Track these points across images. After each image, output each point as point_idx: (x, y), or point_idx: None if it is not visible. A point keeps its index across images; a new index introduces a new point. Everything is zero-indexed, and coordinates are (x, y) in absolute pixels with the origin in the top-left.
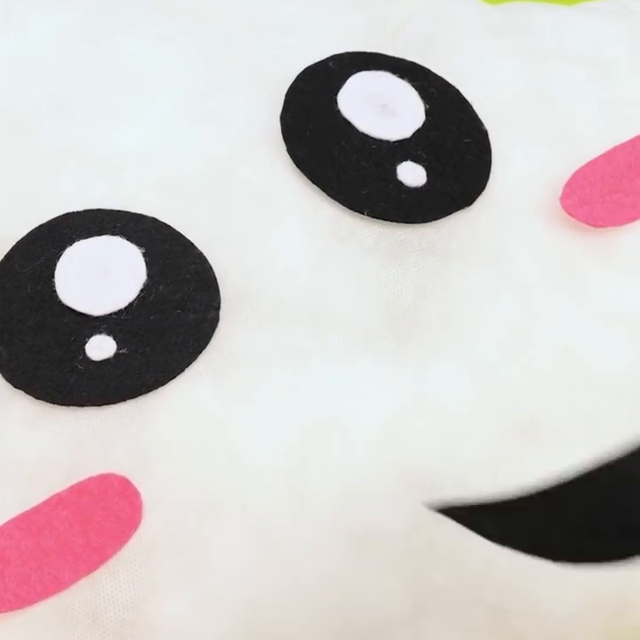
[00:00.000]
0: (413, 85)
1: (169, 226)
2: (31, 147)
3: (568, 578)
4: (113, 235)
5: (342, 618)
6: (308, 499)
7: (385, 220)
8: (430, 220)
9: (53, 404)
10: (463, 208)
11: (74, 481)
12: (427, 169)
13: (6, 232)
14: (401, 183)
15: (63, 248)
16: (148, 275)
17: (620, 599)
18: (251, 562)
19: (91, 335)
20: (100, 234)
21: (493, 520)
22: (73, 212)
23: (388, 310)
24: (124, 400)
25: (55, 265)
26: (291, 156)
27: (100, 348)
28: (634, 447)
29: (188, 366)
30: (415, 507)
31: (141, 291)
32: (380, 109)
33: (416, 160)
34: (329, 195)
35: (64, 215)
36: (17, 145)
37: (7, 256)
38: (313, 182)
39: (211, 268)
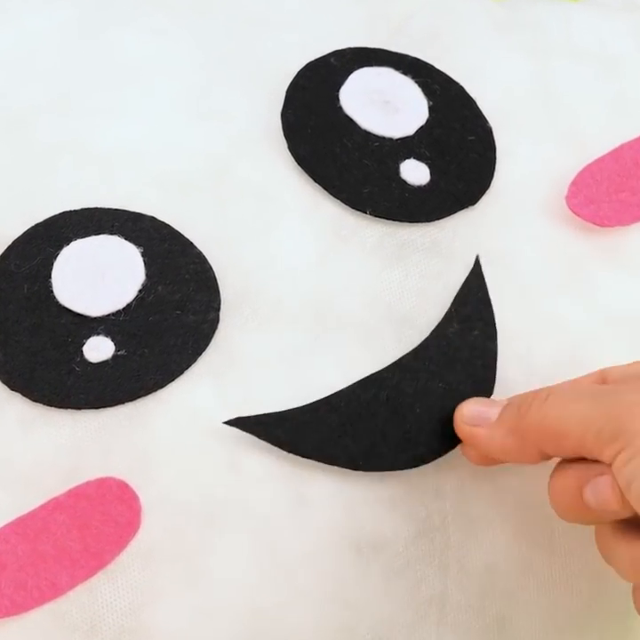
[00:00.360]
0: (416, 81)
1: (168, 225)
2: (28, 143)
3: (573, 585)
4: (111, 234)
5: (343, 624)
6: (309, 505)
7: (388, 219)
8: (434, 220)
9: (50, 406)
10: (467, 207)
11: (71, 485)
12: (430, 167)
13: (1, 231)
14: (404, 182)
15: (60, 247)
16: (147, 275)
17: None
18: (252, 568)
19: (88, 336)
20: (97, 233)
21: (284, 429)
22: (70, 211)
23: (390, 311)
24: (123, 403)
25: (52, 265)
26: (291, 154)
27: (98, 349)
28: (400, 360)
29: (187, 368)
30: (419, 513)
31: (140, 291)
32: (382, 106)
33: (419, 158)
34: (330, 193)
35: (61, 214)
36: (13, 141)
37: (3, 256)
38: (314, 180)
39: (210, 268)
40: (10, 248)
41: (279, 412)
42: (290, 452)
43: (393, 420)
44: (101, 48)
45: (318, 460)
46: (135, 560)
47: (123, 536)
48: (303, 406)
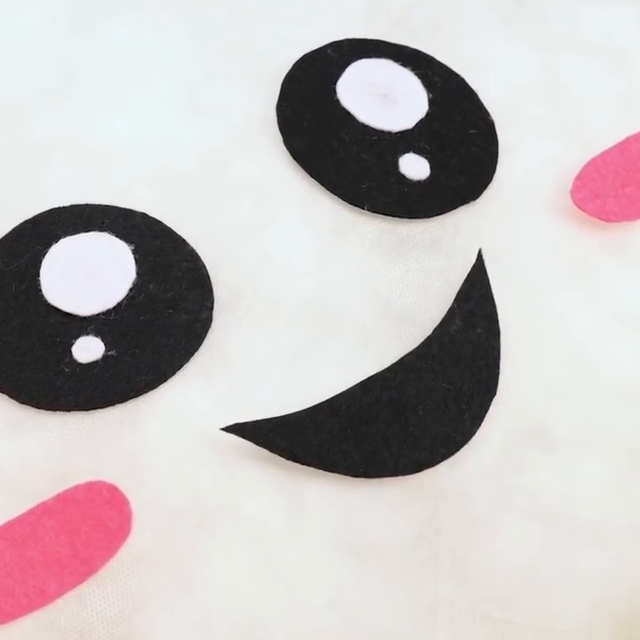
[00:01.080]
0: (416, 73)
1: (160, 221)
2: (17, 139)
3: (578, 589)
4: (101, 231)
5: (341, 632)
6: (306, 510)
7: (387, 215)
8: (434, 215)
9: (39, 408)
10: (469, 202)
11: (60, 489)
12: (430, 161)
13: None
14: (403, 176)
15: (49, 245)
16: (138, 273)
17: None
18: (247, 574)
19: (78, 336)
20: (87, 230)
21: (283, 436)
22: (59, 207)
23: (390, 308)
24: (113, 404)
25: (40, 263)
26: (287, 149)
27: (88, 349)
28: (402, 360)
29: (179, 369)
30: (420, 516)
31: (131, 290)
32: (381, 99)
33: (419, 152)
34: (328, 189)
35: (50, 210)
36: (2, 136)
37: None
38: (311, 176)
39: (203, 265)
40: None
41: (277, 418)
42: (289, 459)
43: (395, 422)
44: (94, 41)
45: (318, 468)
46: (126, 566)
47: (113, 541)
48: (303, 411)
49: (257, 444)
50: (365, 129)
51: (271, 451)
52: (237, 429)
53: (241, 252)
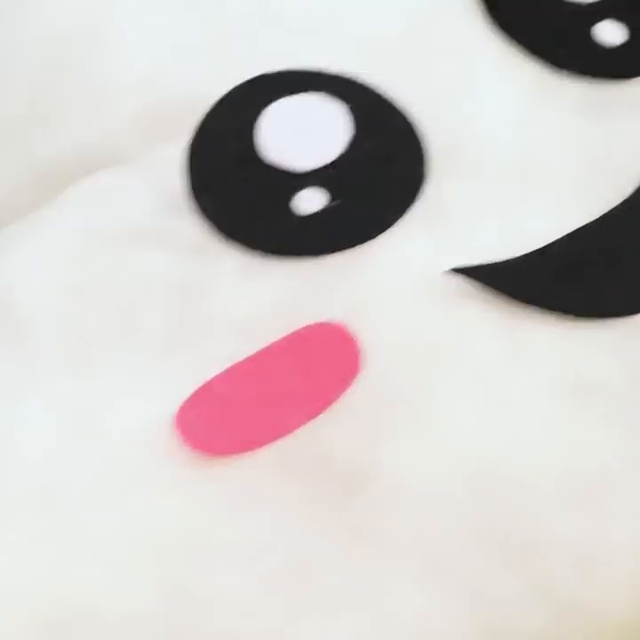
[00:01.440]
0: None
1: (370, 83)
2: (219, 12)
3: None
4: (315, 91)
5: (558, 462)
6: (527, 348)
7: (588, 76)
8: (635, 76)
9: (266, 253)
10: None
11: (289, 331)
12: (628, 26)
13: (205, 91)
14: (601, 42)
15: (265, 105)
16: (353, 131)
17: None
18: (476, 408)
19: (298, 189)
20: (302, 91)
21: (506, 277)
22: (273, 72)
23: (595, 165)
24: (338, 251)
25: (256, 123)
26: (489, 15)
27: (310, 200)
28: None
29: (399, 219)
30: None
31: (347, 146)
32: None
33: (616, 18)
34: (531, 52)
35: (262, 74)
36: (203, 11)
37: (207, 115)
38: (516, 41)
39: (415, 124)
40: (214, 107)
41: (498, 262)
42: (514, 298)
43: (613, 267)
44: None
45: (540, 306)
46: (359, 401)
47: (344, 378)
48: (520, 256)
49: (485, 284)
50: (560, 2)
51: (498, 290)
52: (465, 271)
53: (449, 111)
